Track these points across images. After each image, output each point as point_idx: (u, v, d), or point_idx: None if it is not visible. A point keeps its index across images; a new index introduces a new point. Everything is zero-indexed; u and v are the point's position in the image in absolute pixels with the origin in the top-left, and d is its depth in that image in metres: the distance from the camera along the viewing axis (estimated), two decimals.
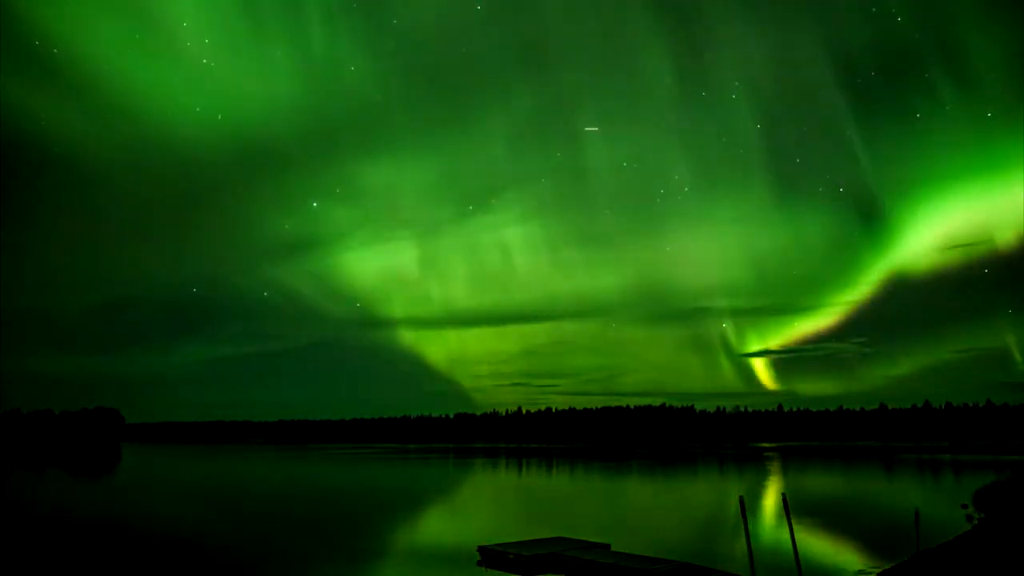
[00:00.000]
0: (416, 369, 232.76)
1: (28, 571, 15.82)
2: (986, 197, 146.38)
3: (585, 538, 18.71)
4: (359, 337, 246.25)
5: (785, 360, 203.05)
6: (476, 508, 31.11)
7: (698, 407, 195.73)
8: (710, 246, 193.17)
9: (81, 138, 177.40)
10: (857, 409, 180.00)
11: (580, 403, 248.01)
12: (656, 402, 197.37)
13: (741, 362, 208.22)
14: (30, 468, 58.13)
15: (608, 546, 17.52)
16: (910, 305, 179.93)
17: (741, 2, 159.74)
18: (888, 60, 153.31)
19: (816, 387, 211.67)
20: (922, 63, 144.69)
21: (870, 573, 14.91)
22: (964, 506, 17.93)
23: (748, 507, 12.37)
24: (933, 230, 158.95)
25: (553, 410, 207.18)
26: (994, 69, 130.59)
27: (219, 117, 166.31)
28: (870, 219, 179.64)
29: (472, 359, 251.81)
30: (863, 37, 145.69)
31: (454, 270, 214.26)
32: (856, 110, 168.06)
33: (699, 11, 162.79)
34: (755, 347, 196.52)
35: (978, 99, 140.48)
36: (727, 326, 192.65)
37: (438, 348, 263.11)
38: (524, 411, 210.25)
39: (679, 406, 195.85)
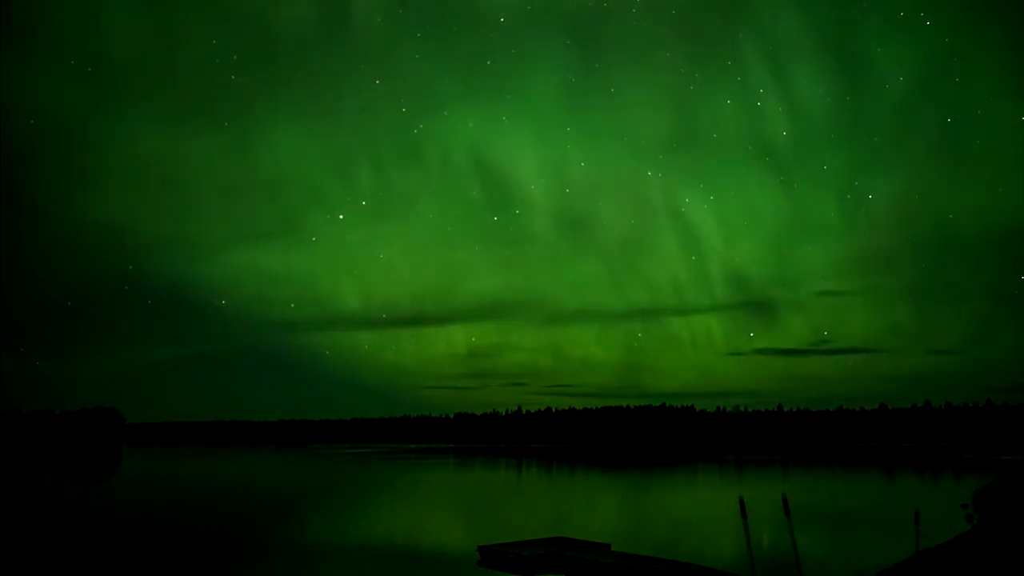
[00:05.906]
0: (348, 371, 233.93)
1: (28, 572, 15.81)
2: None
3: (585, 538, 18.72)
4: (287, 340, 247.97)
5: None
6: (476, 508, 31.09)
7: (698, 407, 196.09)
8: None
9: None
10: (857, 409, 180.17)
11: (561, 404, 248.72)
12: (656, 402, 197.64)
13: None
14: (30, 469, 58.05)
15: (608, 546, 17.52)
16: None
17: None
18: None
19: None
20: None
21: (870, 573, 14.91)
22: (964, 506, 17.89)
23: (748, 507, 12.37)
24: None
25: (553, 410, 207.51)
26: None
27: None
28: None
29: (421, 359, 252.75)
30: None
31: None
32: None
33: None
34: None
35: None
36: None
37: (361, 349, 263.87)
38: (524, 411, 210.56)
39: (679, 406, 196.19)
